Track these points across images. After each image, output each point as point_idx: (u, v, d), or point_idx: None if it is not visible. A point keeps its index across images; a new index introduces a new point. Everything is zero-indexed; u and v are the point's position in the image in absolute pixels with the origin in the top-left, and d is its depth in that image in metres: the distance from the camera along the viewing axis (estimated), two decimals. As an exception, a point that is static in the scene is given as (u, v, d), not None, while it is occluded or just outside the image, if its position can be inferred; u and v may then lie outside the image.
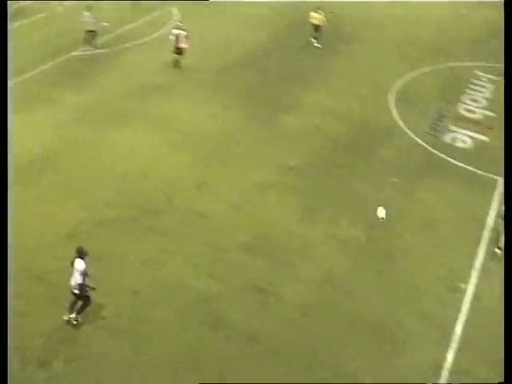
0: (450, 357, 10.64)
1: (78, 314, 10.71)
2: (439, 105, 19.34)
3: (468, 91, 20.41)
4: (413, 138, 17.33)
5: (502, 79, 20.73)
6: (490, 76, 21.52)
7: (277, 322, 11.13)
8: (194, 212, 13.91)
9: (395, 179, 15.24)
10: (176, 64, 20.93)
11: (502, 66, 17.99)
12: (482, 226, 13.87)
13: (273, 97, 19.45)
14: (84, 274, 10.37)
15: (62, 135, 17.06)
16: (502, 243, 12.75)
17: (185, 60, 21.25)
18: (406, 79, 20.98)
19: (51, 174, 15.15)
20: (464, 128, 18.03)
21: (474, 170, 15.90)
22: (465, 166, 16.11)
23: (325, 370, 10.24)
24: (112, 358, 10.13)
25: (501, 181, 15.37)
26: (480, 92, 20.40)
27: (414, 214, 14.22)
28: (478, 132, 17.79)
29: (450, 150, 16.90)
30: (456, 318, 11.41)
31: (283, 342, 10.69)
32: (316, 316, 11.37)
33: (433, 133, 17.76)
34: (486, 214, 14.27)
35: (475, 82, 21.12)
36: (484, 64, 22.45)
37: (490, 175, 15.59)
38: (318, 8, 23.13)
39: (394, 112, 18.72)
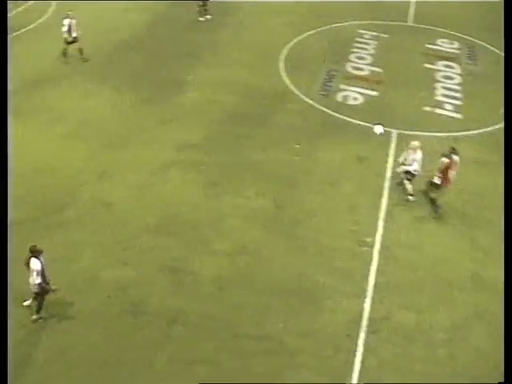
0: (367, 306, 11.11)
1: (37, 313, 10.65)
2: (328, 65, 19.75)
3: (354, 50, 20.99)
4: (306, 101, 17.64)
5: (383, 34, 21.77)
6: (373, 33, 22.26)
7: (196, 299, 11.17)
8: (99, 201, 13.53)
9: (297, 145, 15.43)
10: (65, 54, 19.76)
11: (382, 22, 18.66)
12: (382, 178, 14.47)
13: (164, 76, 19.03)
14: (41, 272, 10.24)
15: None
16: (410, 190, 13.48)
17: (72, 49, 20.21)
18: (293, 44, 21.21)
19: None
20: (353, 85, 18.57)
21: (368, 125, 16.41)
22: (359, 122, 16.63)
23: (251, 338, 10.38)
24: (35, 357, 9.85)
25: (395, 132, 16.05)
26: (364, 49, 21.02)
27: (317, 175, 14.58)
28: (367, 88, 18.38)
29: (343, 108, 17.38)
30: (368, 270, 11.90)
31: (205, 319, 10.75)
32: (234, 287, 11.48)
33: (324, 93, 18.14)
34: (385, 165, 14.86)
35: (359, 40, 21.74)
36: (365, 22, 23.16)
37: (385, 128, 16.12)
38: None
39: (285, 77, 18.92)
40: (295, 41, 21.44)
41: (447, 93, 18.40)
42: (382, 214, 13.35)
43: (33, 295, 10.56)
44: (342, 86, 18.54)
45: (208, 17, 22.81)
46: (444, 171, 12.98)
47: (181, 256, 12.07)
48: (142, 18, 23.16)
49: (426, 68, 19.96)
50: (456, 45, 21.77)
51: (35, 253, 10.27)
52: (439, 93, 18.30)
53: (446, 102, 17.78)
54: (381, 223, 13.10)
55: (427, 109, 17.41)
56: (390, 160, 15.05)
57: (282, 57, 20.24)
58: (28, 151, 15.07)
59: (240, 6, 24.29)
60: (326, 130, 16.35)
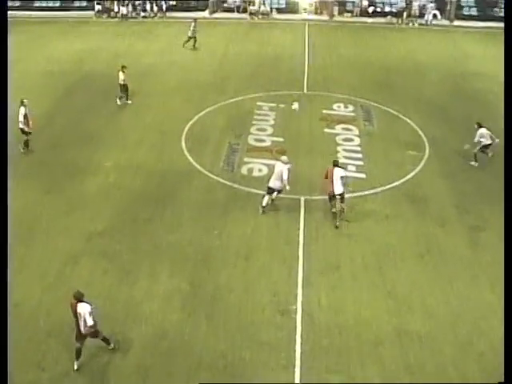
0: (297, 376, 10.98)
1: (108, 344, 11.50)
2: (229, 140, 20.25)
3: (254, 122, 21.74)
4: (212, 178, 17.87)
5: (280, 104, 22.83)
6: (271, 104, 23.25)
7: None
8: None
9: (216, 232, 15.38)
10: (27, 145, 19.45)
11: (276, 93, 19.46)
12: (295, 244, 14.67)
13: (66, 163, 18.77)
14: (92, 313, 10.83)
15: None
16: (264, 203, 15.76)
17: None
18: (194, 121, 21.69)
19: None
20: (257, 157, 19.08)
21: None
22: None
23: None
24: None
25: (303, 199, 16.48)
26: (264, 121, 21.86)
27: (230, 250, 14.58)
28: (270, 158, 18.88)
29: (249, 180, 17.74)
30: (294, 339, 11.82)
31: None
32: (156, 375, 10.98)
33: (229, 168, 18.49)
34: (296, 232, 15.13)
35: (258, 112, 22.63)
36: (263, 94, 24.20)
37: (292, 196, 16.57)
38: (123, 67, 22.87)
39: (189, 156, 19.17)
40: (196, 118, 21.97)
41: (349, 154, 19.30)
42: (299, 280, 13.45)
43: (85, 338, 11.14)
44: (246, 159, 19.00)
45: (128, 102, 23.24)
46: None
47: (98, 349, 11.48)
48: (40, 107, 23.01)
49: (326, 133, 20.95)
50: (351, 108, 23.16)
51: (80, 297, 10.86)
52: (341, 155, 19.13)
53: (349, 164, 18.57)
54: (300, 290, 13.17)
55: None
56: (301, 226, 15.38)
57: (184, 135, 20.57)
58: None
59: (141, 87, 24.73)
60: (235, 203, 16.53)
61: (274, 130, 21.05)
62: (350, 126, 21.51)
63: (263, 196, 15.99)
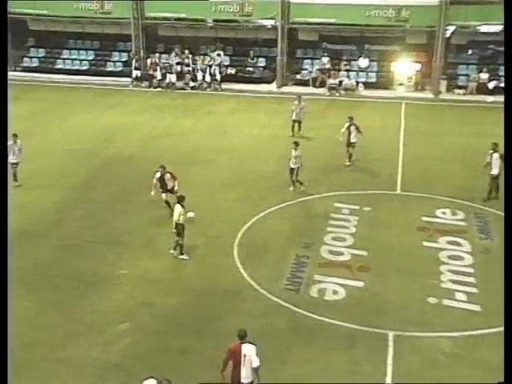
0: None
1: None
2: (296, 251, 20.52)
3: (329, 229, 21.96)
4: (270, 299, 17.97)
5: (365, 207, 23.05)
6: (352, 206, 23.56)
7: None
8: None
9: None
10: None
11: (363, 192, 19.85)
12: (382, 396, 14.41)
13: (79, 272, 19.40)
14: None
15: None
16: None
17: None
18: (251, 224, 22.22)
19: None
20: (331, 275, 19.11)
21: (355, 326, 16.68)
22: (342, 323, 16.87)
23: None
24: None
25: (391, 335, 16.29)
26: (343, 227, 22.08)
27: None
28: (349, 278, 18.92)
29: (319, 305, 17.71)
30: None
31: None
32: None
33: (294, 288, 18.59)
34: (383, 379, 14.85)
35: (335, 216, 22.94)
36: (341, 193, 24.62)
37: (377, 330, 16.45)
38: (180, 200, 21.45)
39: (242, 268, 19.45)
40: (253, 220, 22.52)
41: (457, 278, 19.06)
42: None
43: None
44: (317, 277, 19.09)
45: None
46: None
47: None
48: (52, 193, 24.16)
49: (426, 247, 20.92)
50: (461, 215, 23.18)
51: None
52: (446, 278, 18.94)
53: (457, 291, 18.33)
54: None
55: (432, 300, 17.89)
56: (388, 371, 15.12)
57: (237, 242, 21.03)
58: None
59: (185, 180, 25.70)
60: (298, 336, 16.47)
61: (355, 241, 21.20)
62: (460, 240, 21.40)
63: None
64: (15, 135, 24.39)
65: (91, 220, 22.83)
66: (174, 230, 19.78)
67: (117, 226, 22.25)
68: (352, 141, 27.85)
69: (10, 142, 23.48)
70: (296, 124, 31.28)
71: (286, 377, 14.98)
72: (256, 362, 12.98)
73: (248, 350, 13.08)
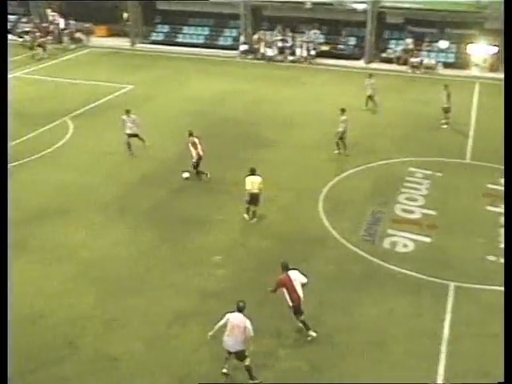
0: None
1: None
2: (373, 207, 20.31)
3: (403, 190, 21.61)
4: (348, 247, 17.97)
5: (437, 173, 22.57)
6: (425, 171, 23.02)
7: None
8: (104, 355, 13.61)
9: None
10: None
11: (435, 159, 19.32)
12: (438, 340, 14.19)
13: (185, 214, 19.88)
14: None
15: None
16: None
17: (87, 176, 21.64)
18: (335, 182, 22.09)
19: None
20: (403, 230, 18.88)
21: (421, 276, 16.50)
22: (409, 272, 16.71)
23: None
24: None
25: (452, 285, 16.00)
26: (416, 189, 21.65)
27: (359, 333, 14.45)
28: (418, 233, 18.64)
29: (391, 256, 17.58)
30: None
31: None
32: None
33: (369, 239, 18.49)
34: (441, 324, 14.66)
35: (410, 179, 22.48)
36: (416, 159, 24.09)
37: (439, 280, 16.24)
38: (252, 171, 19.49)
39: (325, 220, 19.46)
40: (337, 179, 22.37)
41: (513, 240, 18.49)
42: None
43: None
44: (390, 231, 18.91)
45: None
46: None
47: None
48: (171, 145, 24.67)
49: (488, 211, 20.30)
50: (523, 185, 22.25)
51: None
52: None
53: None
54: (438, 396, 12.70)
55: (491, 258, 17.43)
56: (447, 318, 14.88)
57: (322, 196, 20.97)
58: (27, 291, 15.81)
59: (277, 139, 25.81)
60: (371, 280, 16.44)
61: (426, 201, 20.78)
62: (520, 206, 20.67)
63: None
64: (128, 111, 24.14)
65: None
66: (247, 198, 19.25)
67: (222, 177, 22.49)
68: (446, 106, 27.77)
69: (123, 116, 23.99)
70: (368, 98, 30.47)
71: (357, 317, 15.01)
72: (304, 279, 13.86)
73: (294, 275, 13.78)
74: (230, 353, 12.70)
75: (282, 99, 32.17)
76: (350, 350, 13.90)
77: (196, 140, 22.21)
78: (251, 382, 12.76)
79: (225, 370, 12.87)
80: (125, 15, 46.35)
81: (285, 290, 13.79)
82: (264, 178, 19.94)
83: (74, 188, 21.62)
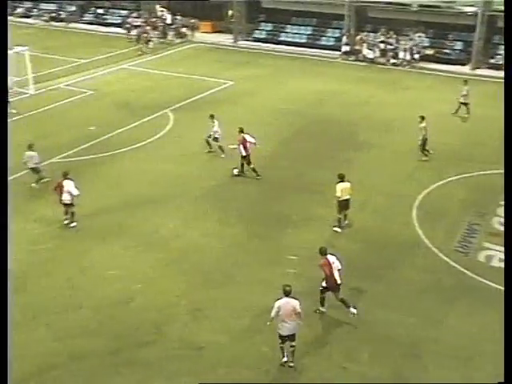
0: None
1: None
2: (469, 218, 19.71)
3: (502, 202, 20.77)
4: (439, 257, 17.54)
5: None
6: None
7: None
8: (188, 343, 14.00)
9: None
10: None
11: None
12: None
13: (280, 211, 20.04)
14: None
15: (35, 251, 17.55)
16: None
17: (182, 168, 22.23)
18: (432, 189, 21.58)
19: (17, 295, 15.29)
20: (500, 244, 18.17)
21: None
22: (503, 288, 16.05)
23: None
24: None
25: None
26: (516, 203, 20.77)
27: (446, 347, 14.07)
28: (516, 249, 17.93)
29: (485, 269, 17.00)
30: None
31: None
32: None
33: (463, 250, 17.97)
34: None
35: (510, 191, 21.58)
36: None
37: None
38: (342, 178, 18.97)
39: (418, 227, 19.07)
40: (433, 186, 21.85)
41: None
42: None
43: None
44: (486, 244, 18.30)
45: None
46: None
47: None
48: (266, 142, 24.96)
49: None
50: None
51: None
52: None
53: None
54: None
55: None
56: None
57: (417, 203, 20.56)
58: (120, 275, 16.54)
59: (372, 141, 25.51)
60: (462, 293, 15.98)
61: (527, 217, 19.94)
62: None
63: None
64: (212, 115, 24.21)
65: (293, 170, 23.29)
66: (337, 205, 18.81)
67: (315, 177, 22.48)
68: None
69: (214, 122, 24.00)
70: (464, 107, 29.29)
71: (446, 329, 14.65)
72: (339, 265, 14.44)
73: (332, 259, 14.45)
74: (284, 338, 13.08)
75: (381, 102, 31.75)
76: (436, 363, 13.56)
77: (247, 137, 22.22)
78: (289, 361, 13.25)
79: (285, 359, 13.22)
80: (230, 12, 47.13)
81: (322, 272, 14.53)
82: (357, 180, 19.78)
83: (169, 178, 22.28)
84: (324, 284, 14.68)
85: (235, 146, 22.30)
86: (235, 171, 22.53)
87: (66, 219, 19.11)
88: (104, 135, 26.36)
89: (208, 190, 21.51)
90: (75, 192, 18.56)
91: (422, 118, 24.07)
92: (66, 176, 18.74)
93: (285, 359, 13.25)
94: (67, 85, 34.81)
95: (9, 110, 28.37)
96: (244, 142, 22.05)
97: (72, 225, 18.98)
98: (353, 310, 14.56)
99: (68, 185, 18.52)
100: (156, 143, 25.67)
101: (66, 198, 18.67)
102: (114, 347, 13.83)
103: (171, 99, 31.25)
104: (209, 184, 21.98)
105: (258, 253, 17.74)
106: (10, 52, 31.64)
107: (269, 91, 33.64)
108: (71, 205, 18.83)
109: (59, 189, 18.72)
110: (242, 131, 22.36)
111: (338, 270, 14.43)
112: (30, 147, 21.43)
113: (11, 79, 32.54)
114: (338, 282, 14.44)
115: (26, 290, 15.69)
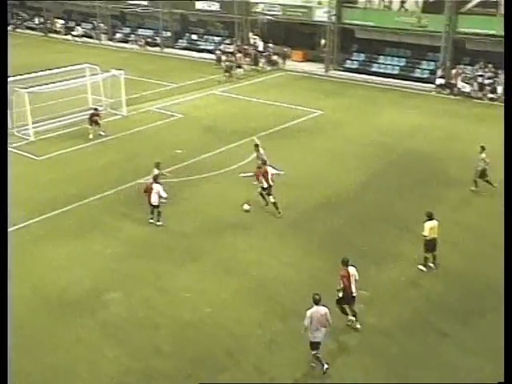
0: None
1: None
2: None
3: None
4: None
5: None
6: None
7: None
8: (262, 374, 13.77)
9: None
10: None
11: None
12: None
13: (364, 244, 19.55)
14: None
15: (115, 269, 17.87)
16: None
17: (259, 197, 22.20)
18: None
19: (93, 315, 15.61)
20: None
21: None
22: None
23: None
24: None
25: None
26: None
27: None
28: None
29: None
30: None
31: None
32: None
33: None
34: None
35: None
36: None
37: None
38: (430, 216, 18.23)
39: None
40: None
41: None
42: None
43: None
44: None
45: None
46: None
47: None
48: (350, 176, 24.56)
49: None
50: None
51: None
52: None
53: None
54: None
55: None
56: None
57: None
58: (194, 299, 16.60)
59: (467, 180, 24.58)
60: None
61: None
62: None
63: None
64: (256, 145, 24.12)
65: (379, 202, 22.76)
66: (425, 245, 18.05)
67: (401, 211, 21.91)
68: None
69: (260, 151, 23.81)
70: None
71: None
72: (357, 276, 14.99)
73: (352, 270, 15.02)
74: (318, 345, 13.63)
75: (475, 138, 30.45)
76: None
77: (269, 168, 21.53)
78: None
79: (326, 366, 13.63)
80: (322, 42, 47.23)
81: (341, 282, 14.94)
82: (446, 218, 19.02)
83: (253, 204, 22.17)
84: (340, 295, 15.07)
85: (247, 175, 22.12)
86: (245, 207, 21.73)
87: (151, 218, 20.69)
88: (191, 159, 26.75)
89: (291, 219, 21.29)
90: (164, 194, 20.19)
91: (483, 148, 23.52)
92: (155, 179, 20.28)
93: (326, 366, 13.51)
94: (158, 108, 35.76)
95: (98, 132, 29.59)
96: (265, 174, 21.44)
97: (158, 223, 20.58)
98: (357, 326, 15.20)
99: (157, 188, 20.06)
100: (241, 169, 25.74)
101: (154, 199, 20.15)
102: (188, 371, 13.83)
103: (259, 126, 31.37)
104: (293, 213, 21.77)
105: (335, 287, 17.26)
106: (106, 75, 33.31)
107: (358, 122, 33.28)
108: (158, 206, 20.41)
109: (149, 191, 20.21)
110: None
111: (356, 280, 14.96)
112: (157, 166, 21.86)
113: (106, 101, 33.90)
114: (354, 294, 14.95)
115: (105, 307, 15.98)
